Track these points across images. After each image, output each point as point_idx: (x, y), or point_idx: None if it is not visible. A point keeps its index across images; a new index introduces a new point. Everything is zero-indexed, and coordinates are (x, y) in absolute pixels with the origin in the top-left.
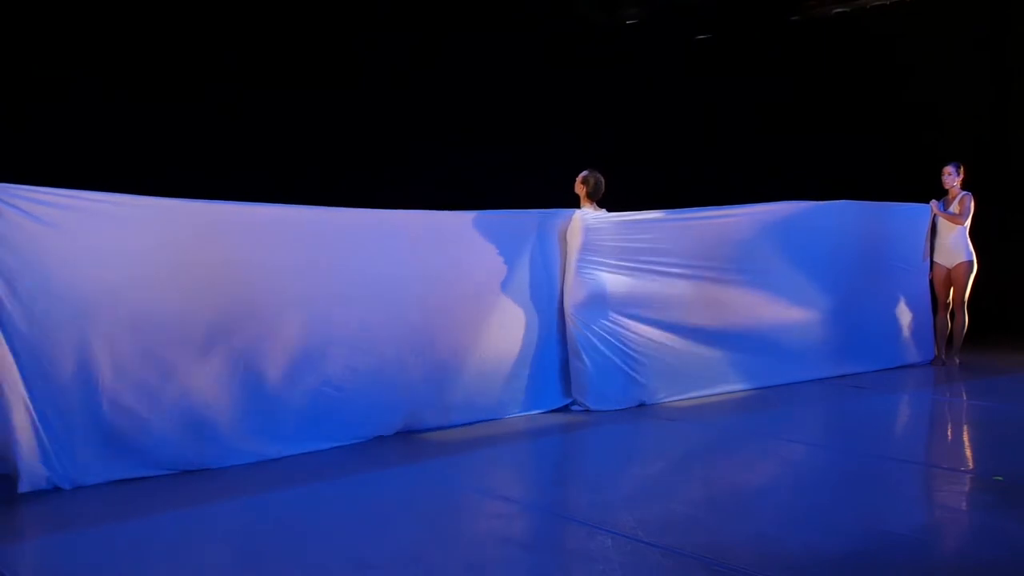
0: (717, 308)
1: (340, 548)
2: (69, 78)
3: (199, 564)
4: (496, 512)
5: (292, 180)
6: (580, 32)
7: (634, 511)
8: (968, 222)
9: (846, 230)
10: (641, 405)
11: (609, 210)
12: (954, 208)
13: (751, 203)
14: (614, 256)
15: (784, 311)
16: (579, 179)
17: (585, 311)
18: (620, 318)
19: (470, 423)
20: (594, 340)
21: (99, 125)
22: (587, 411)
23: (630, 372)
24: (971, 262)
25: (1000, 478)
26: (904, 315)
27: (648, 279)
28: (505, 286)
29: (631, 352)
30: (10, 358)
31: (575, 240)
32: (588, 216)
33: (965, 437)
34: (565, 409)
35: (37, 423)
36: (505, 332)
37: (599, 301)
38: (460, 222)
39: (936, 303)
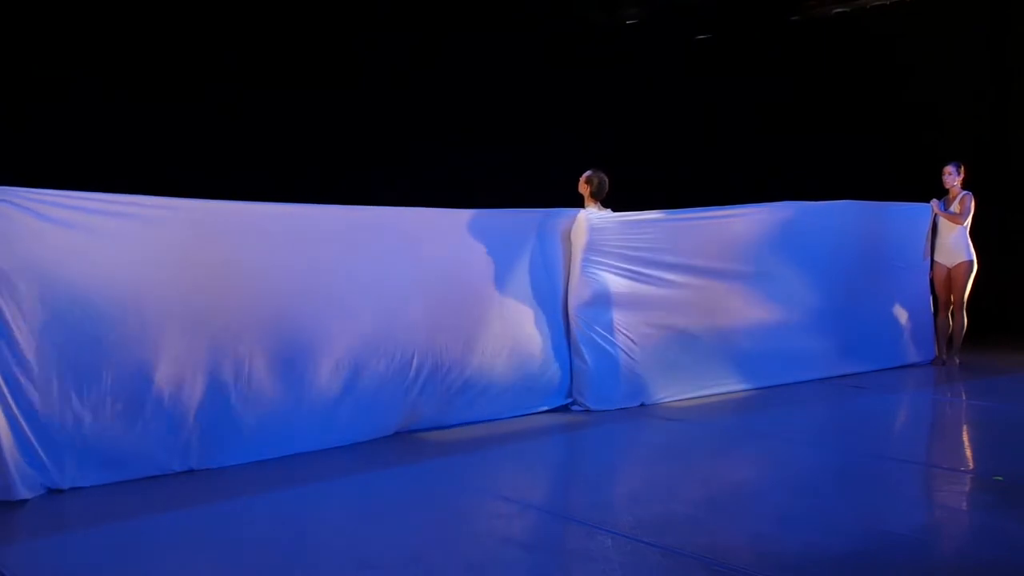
0: (718, 308)
1: (340, 548)
2: (69, 78)
3: (199, 564)
4: (496, 512)
5: (292, 180)
6: (580, 32)
7: (634, 511)
8: (968, 222)
9: (847, 230)
10: (641, 405)
11: (611, 210)
12: (954, 208)
13: (751, 203)
14: (618, 256)
15: (784, 311)
16: (583, 179)
17: (588, 311)
18: (622, 318)
19: (470, 423)
20: (596, 339)
21: (99, 125)
22: (587, 411)
23: (631, 372)
24: (971, 262)
25: (1000, 478)
26: (904, 315)
27: (650, 279)
28: (506, 285)
29: (632, 352)
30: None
31: (580, 240)
32: (593, 216)
33: (965, 437)
34: (565, 409)
35: (26, 426)
36: (505, 331)
37: (602, 301)
38: (461, 220)
39: (937, 303)
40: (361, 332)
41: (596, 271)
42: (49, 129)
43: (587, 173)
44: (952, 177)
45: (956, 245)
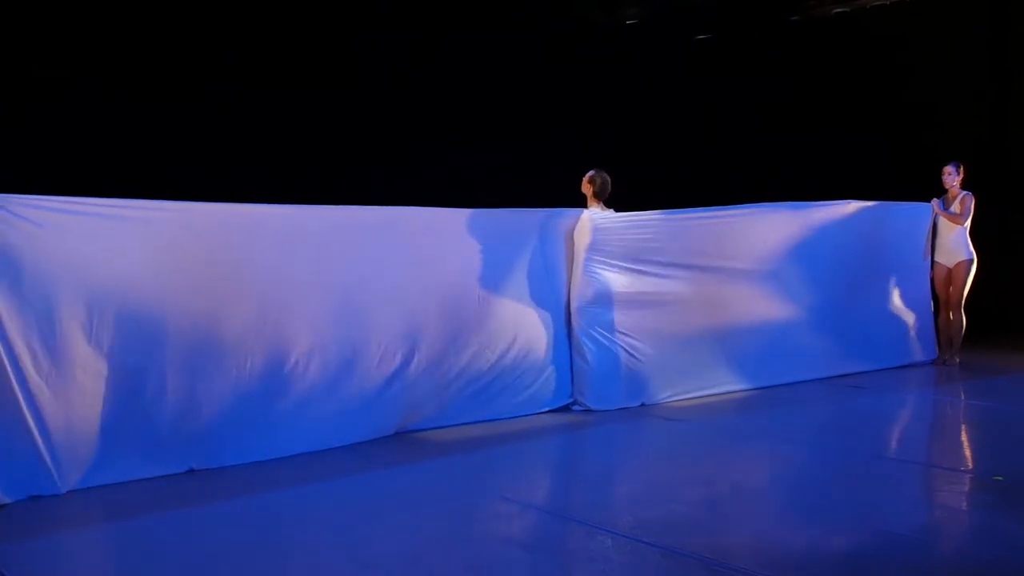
0: (719, 308)
1: (340, 548)
2: (69, 78)
3: (199, 564)
4: (496, 512)
5: (292, 180)
6: (580, 32)
7: (634, 511)
8: (968, 222)
9: (847, 230)
10: (642, 405)
11: (612, 210)
12: (955, 208)
13: (752, 203)
14: (621, 256)
15: (785, 311)
16: (586, 179)
17: (589, 310)
18: (624, 318)
19: (470, 423)
20: (597, 339)
21: (99, 125)
22: (588, 411)
23: (632, 372)
24: (971, 261)
25: (1000, 478)
26: (905, 315)
27: (653, 279)
28: (507, 284)
29: (633, 352)
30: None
31: (583, 239)
32: (597, 216)
33: (965, 437)
34: (566, 409)
35: (34, 427)
36: (507, 331)
37: (604, 301)
38: (462, 219)
39: (937, 302)
40: (361, 330)
41: (599, 271)
42: (49, 129)
43: (590, 173)
44: (952, 177)
45: (956, 245)
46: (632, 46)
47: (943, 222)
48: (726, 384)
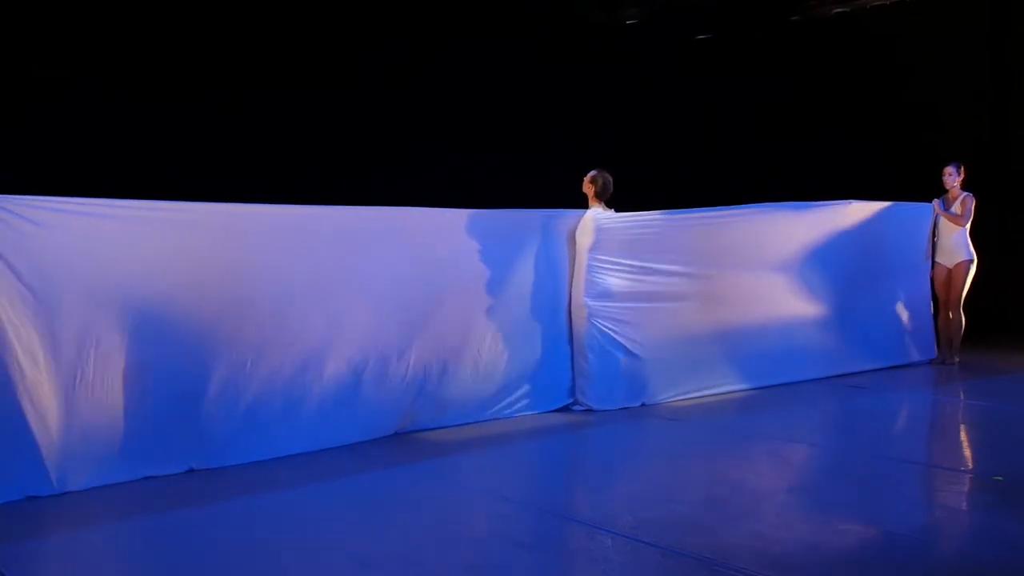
0: (719, 308)
1: (340, 548)
2: (69, 78)
3: (199, 564)
4: (496, 512)
5: (292, 180)
6: (580, 32)
7: (634, 511)
8: (969, 223)
9: (848, 230)
10: (643, 405)
11: (613, 211)
12: (956, 208)
13: (752, 203)
14: (622, 256)
15: (786, 310)
16: (587, 179)
17: (592, 311)
18: (625, 318)
19: (471, 423)
20: (598, 339)
21: (99, 125)
22: (588, 411)
23: (632, 372)
24: (971, 261)
25: (1000, 478)
26: (905, 315)
27: (654, 279)
28: (509, 285)
29: (634, 352)
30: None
31: (586, 240)
32: (600, 216)
33: (965, 437)
34: (566, 409)
35: (34, 427)
36: (508, 331)
37: (605, 301)
38: (463, 220)
39: (937, 302)
40: (361, 331)
41: (600, 271)
42: (49, 129)
43: (592, 173)
44: (952, 177)
45: (956, 245)
46: (632, 46)
47: (944, 222)
48: (727, 384)
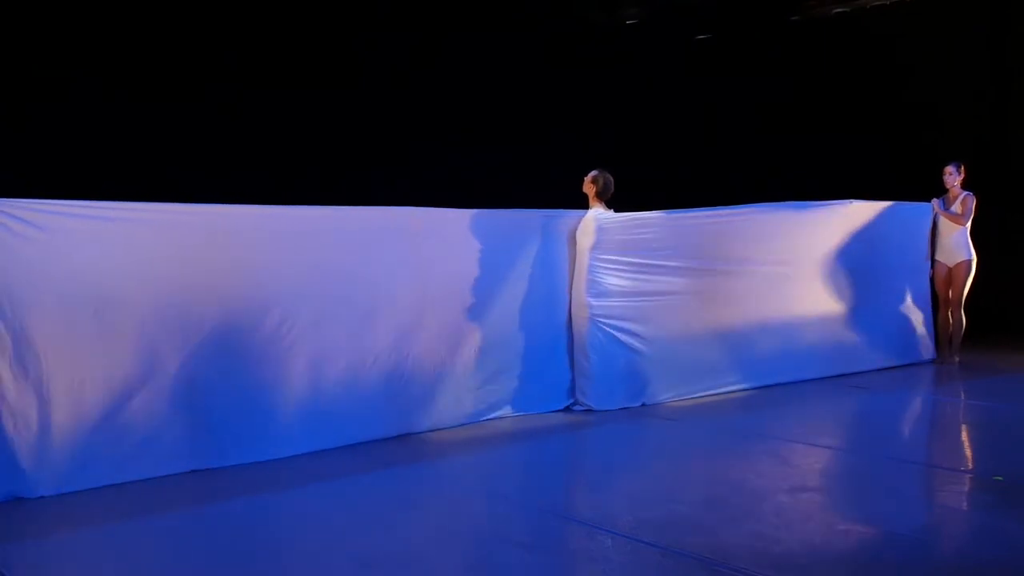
0: (720, 308)
1: (341, 548)
2: (69, 78)
3: (199, 564)
4: (496, 512)
5: (292, 180)
6: (580, 32)
7: (634, 511)
8: (969, 222)
9: (848, 229)
10: (643, 405)
11: (613, 211)
12: (956, 208)
13: (753, 203)
14: (624, 256)
15: (786, 310)
16: (588, 178)
17: (591, 311)
18: (626, 318)
19: (471, 423)
20: (599, 340)
21: (99, 125)
22: (589, 411)
23: (633, 372)
24: (971, 261)
25: (1000, 478)
26: (905, 314)
27: (654, 279)
28: (509, 285)
29: (635, 352)
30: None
31: (587, 240)
32: (601, 216)
33: (965, 437)
34: (567, 409)
35: (34, 426)
36: (507, 331)
37: (608, 300)
38: (463, 220)
39: (938, 302)
40: (361, 331)
41: (601, 271)
42: (49, 129)
43: (593, 173)
44: (952, 177)
45: (957, 244)
46: (632, 46)
47: (944, 222)
48: (727, 384)
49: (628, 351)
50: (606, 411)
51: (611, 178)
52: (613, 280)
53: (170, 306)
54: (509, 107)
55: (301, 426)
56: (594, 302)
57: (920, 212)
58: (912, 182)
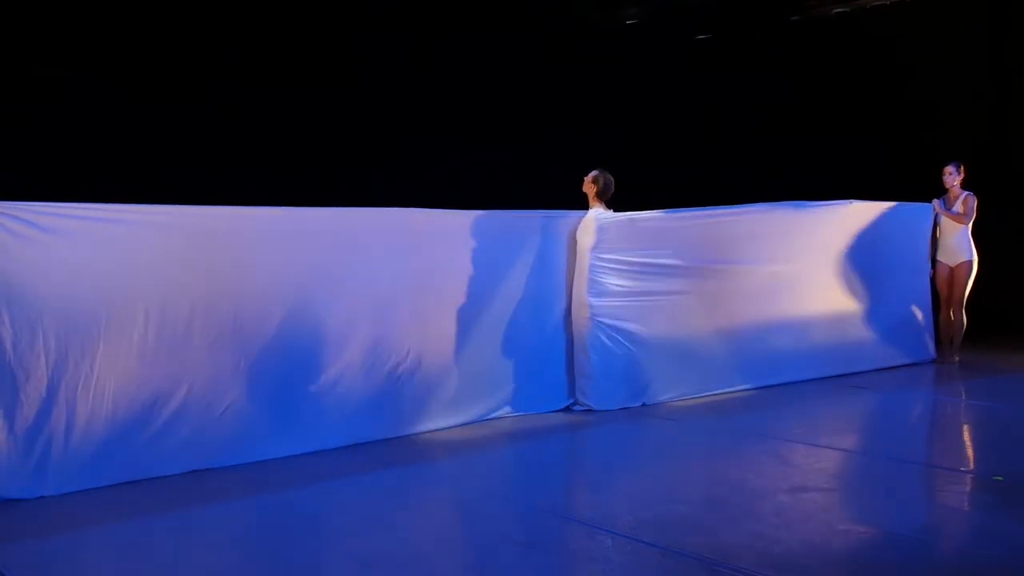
0: (720, 308)
1: (340, 548)
2: (69, 78)
3: (199, 564)
4: (496, 512)
5: (292, 180)
6: (580, 32)
7: (634, 511)
8: (971, 222)
9: (848, 229)
10: (643, 405)
11: (612, 210)
12: (958, 207)
13: (753, 203)
14: (624, 256)
15: (786, 311)
16: (588, 178)
17: (591, 311)
18: (626, 318)
19: (471, 423)
20: (599, 340)
21: (99, 125)
22: (589, 411)
23: (633, 372)
24: (972, 261)
25: (1000, 478)
26: (905, 314)
27: (655, 279)
28: (509, 286)
29: (635, 352)
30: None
31: (587, 240)
32: (601, 216)
33: (965, 437)
34: (567, 409)
35: (35, 427)
36: (508, 331)
37: (607, 301)
38: (463, 221)
39: (938, 302)
40: (361, 332)
41: (601, 271)
42: (49, 129)
43: (593, 173)
44: (953, 177)
45: (958, 245)
46: (632, 46)
47: (946, 222)
48: (727, 384)
49: (628, 351)
50: (606, 411)
51: (611, 178)
52: (613, 280)
53: (171, 307)
54: (509, 107)
55: (301, 426)
56: (595, 302)
57: (920, 212)
58: (912, 182)
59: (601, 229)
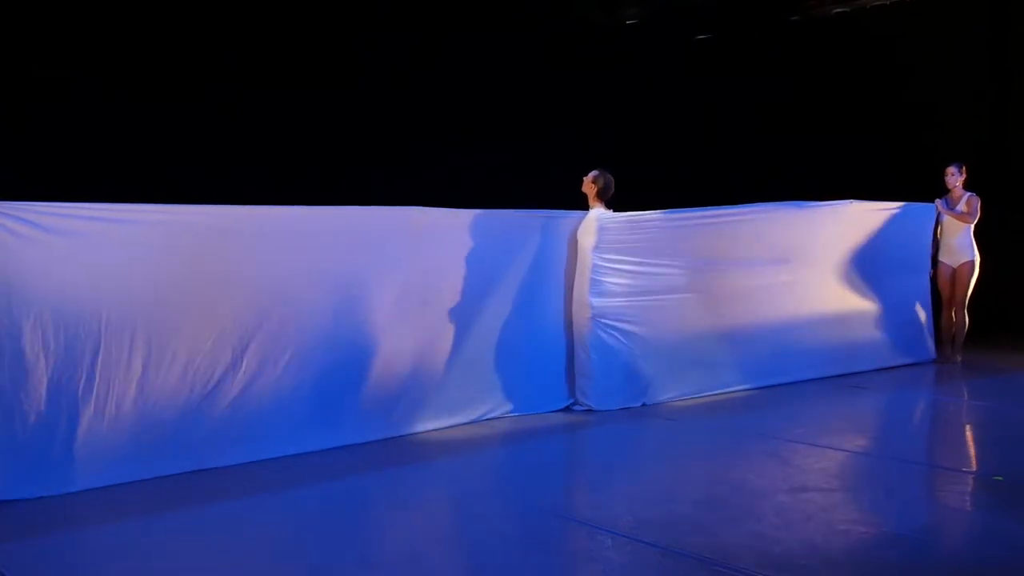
0: (721, 308)
1: (340, 548)
2: (69, 78)
3: (199, 564)
4: (496, 512)
5: (292, 180)
6: (580, 32)
7: (634, 511)
8: (975, 221)
9: (849, 229)
10: (643, 405)
11: (612, 210)
12: (961, 207)
13: (753, 203)
14: (624, 256)
15: (787, 310)
16: (589, 179)
17: (591, 311)
18: (626, 318)
19: (471, 423)
20: (599, 340)
21: (99, 125)
22: (589, 411)
23: (633, 372)
24: (974, 262)
25: (1000, 478)
26: (906, 314)
27: (655, 279)
28: (508, 285)
29: (635, 352)
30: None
31: (588, 240)
32: (603, 216)
33: (965, 437)
34: (567, 409)
35: (36, 427)
36: (508, 331)
37: (607, 301)
38: (463, 220)
39: (940, 302)
40: (360, 331)
41: (602, 271)
42: (49, 129)
43: (593, 173)
44: (954, 177)
45: (961, 245)
46: (632, 46)
47: (948, 222)
48: (728, 384)
49: (629, 351)
50: (606, 411)
51: (611, 178)
52: (614, 280)
53: (172, 307)
54: (509, 107)
55: (301, 426)
56: (595, 302)
57: (921, 213)
58: (912, 182)
59: (602, 229)
